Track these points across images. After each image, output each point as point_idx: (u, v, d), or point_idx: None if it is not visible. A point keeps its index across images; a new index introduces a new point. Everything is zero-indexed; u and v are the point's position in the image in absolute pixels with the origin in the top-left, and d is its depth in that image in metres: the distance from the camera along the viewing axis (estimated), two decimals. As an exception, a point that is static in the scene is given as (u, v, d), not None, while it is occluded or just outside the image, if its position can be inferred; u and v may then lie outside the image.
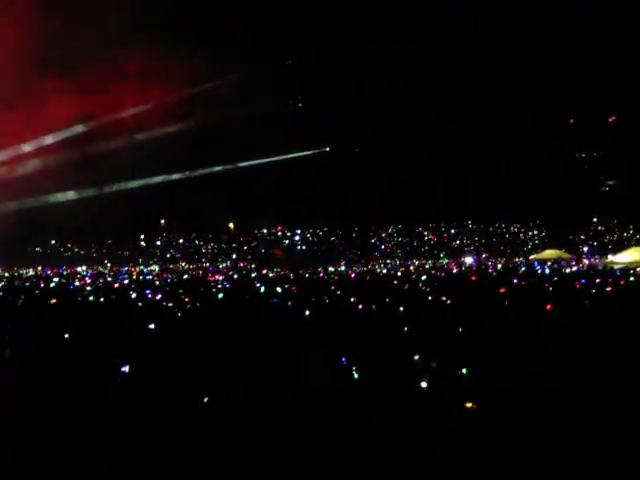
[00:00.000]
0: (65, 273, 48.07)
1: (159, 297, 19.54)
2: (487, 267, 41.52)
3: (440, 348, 9.66)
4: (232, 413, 7.36)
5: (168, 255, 73.72)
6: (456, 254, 66.19)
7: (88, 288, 26.00)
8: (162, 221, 75.33)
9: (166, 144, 51.12)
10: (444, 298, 17.07)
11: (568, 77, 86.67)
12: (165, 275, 40.92)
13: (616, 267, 34.15)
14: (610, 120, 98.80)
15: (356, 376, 8.42)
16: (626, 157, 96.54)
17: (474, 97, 79.45)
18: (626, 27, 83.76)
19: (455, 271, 37.06)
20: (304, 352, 9.46)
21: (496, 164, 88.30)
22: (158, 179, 58.07)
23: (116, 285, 28.84)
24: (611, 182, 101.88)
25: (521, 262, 51.88)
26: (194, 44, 44.60)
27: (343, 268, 46.77)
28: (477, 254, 66.58)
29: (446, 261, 59.15)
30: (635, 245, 51.92)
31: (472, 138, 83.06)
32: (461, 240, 76.19)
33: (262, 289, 21.93)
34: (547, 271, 33.62)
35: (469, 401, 7.14)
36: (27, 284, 31.19)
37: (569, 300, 15.89)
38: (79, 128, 50.55)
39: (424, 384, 7.84)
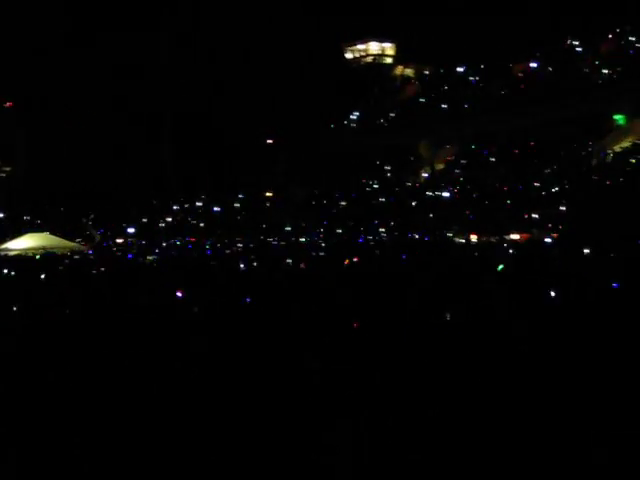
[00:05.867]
0: None
1: None
2: None
3: None
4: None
5: None
6: None
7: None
8: None
9: None
10: None
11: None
12: None
13: (12, 254, 33.41)
14: (6, 105, 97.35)
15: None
16: (24, 143, 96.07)
17: None
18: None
19: None
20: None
21: None
22: None
23: None
24: (7, 168, 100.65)
25: None
26: None
27: None
28: None
29: None
30: (32, 231, 51.49)
31: None
32: None
33: None
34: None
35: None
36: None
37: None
38: None
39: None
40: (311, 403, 7.27)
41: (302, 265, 21.23)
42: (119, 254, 33.08)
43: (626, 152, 54.80)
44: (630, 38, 62.85)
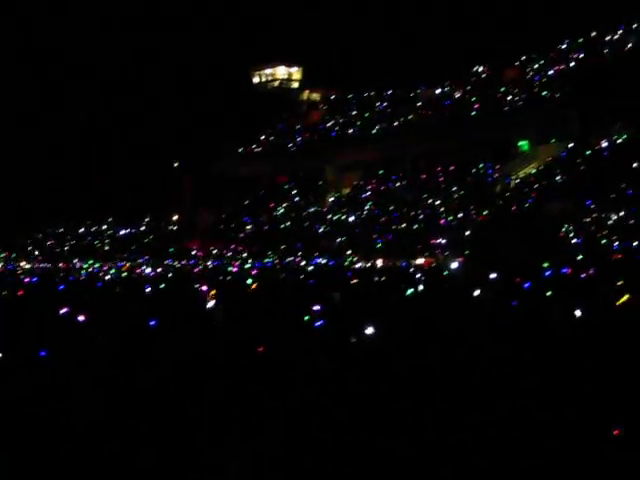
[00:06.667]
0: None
1: None
2: None
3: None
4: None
5: None
6: None
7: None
8: None
9: None
10: None
11: None
12: None
13: None
14: None
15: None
16: None
17: None
18: None
19: None
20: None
21: None
22: None
23: None
24: None
25: None
26: None
27: None
28: None
29: None
30: None
31: None
32: None
33: None
34: None
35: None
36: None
37: None
38: None
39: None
40: (214, 430, 7.10)
41: (209, 290, 20.99)
42: (22, 277, 32.27)
43: (530, 178, 55.93)
44: (535, 65, 64.42)
